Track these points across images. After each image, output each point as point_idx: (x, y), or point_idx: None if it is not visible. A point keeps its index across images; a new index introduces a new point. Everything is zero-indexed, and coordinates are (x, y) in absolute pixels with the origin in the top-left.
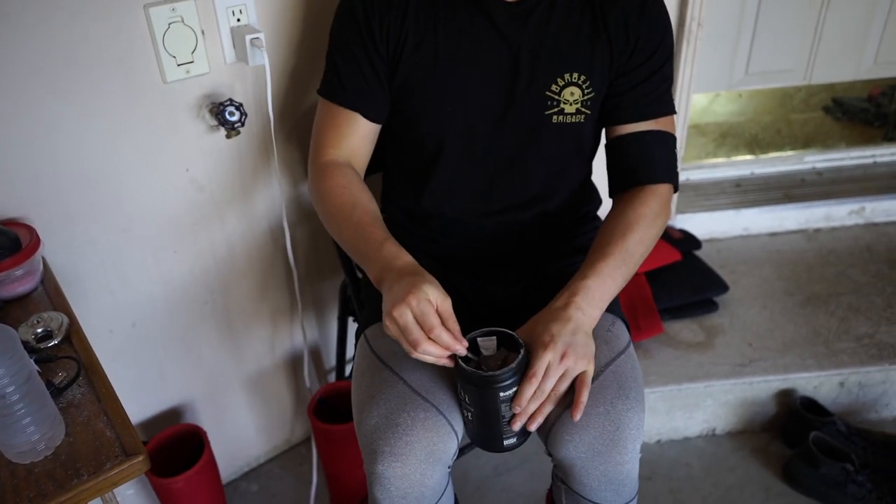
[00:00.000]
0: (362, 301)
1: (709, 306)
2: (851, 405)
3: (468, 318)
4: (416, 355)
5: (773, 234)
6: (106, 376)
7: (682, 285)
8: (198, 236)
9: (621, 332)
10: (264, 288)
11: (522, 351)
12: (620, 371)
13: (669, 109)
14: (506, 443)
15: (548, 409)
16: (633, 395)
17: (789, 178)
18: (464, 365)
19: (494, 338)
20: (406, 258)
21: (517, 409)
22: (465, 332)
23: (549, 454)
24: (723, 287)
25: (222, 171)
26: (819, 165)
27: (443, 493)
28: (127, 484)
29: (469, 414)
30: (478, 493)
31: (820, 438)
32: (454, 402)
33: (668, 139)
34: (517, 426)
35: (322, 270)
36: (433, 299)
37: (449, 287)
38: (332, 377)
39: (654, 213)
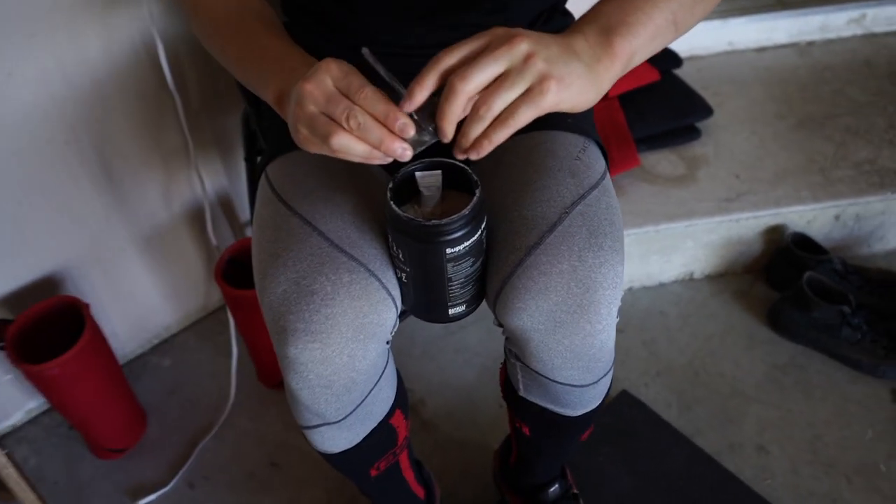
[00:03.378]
0: (265, 130)
1: (690, 133)
2: (843, 240)
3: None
4: (342, 142)
5: (761, 49)
6: None
7: (659, 110)
8: (38, 52)
9: (594, 159)
10: (145, 123)
11: (478, 192)
12: (592, 212)
13: None
14: (451, 311)
15: (473, 128)
16: (608, 245)
17: None
18: (396, 209)
19: (439, 172)
20: (314, 61)
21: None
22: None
23: (499, 325)
24: (706, 111)
25: None
26: None
27: (380, 376)
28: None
29: (404, 275)
30: (426, 356)
31: (814, 279)
32: (388, 262)
33: None
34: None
35: (221, 98)
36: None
37: (388, 88)
38: (248, 232)
39: None
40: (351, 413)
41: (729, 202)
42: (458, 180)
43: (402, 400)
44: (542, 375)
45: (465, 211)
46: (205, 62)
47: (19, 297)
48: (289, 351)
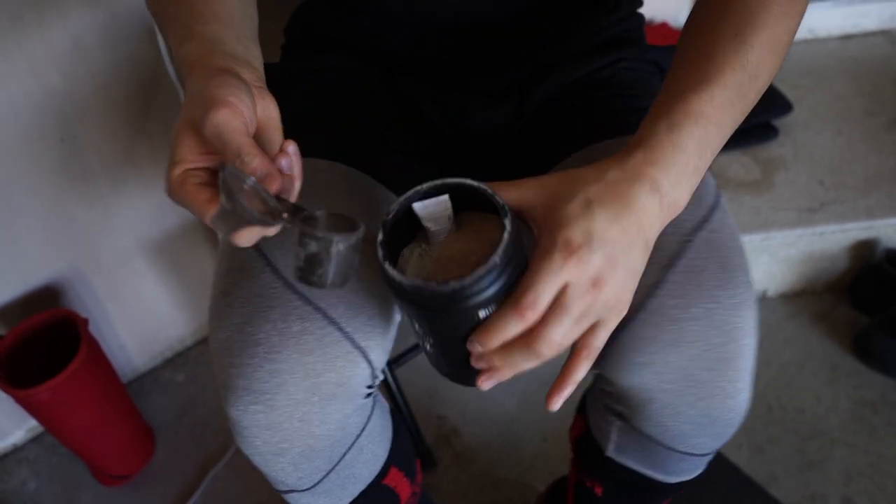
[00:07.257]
0: None
1: (766, 132)
2: None
3: (431, 151)
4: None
5: (847, 37)
6: None
7: None
8: (26, 38)
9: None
10: (149, 116)
11: (508, 224)
12: (718, 240)
13: None
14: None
15: (529, 365)
16: (742, 280)
17: None
18: (394, 273)
19: (446, 198)
20: (224, 48)
21: (477, 349)
22: (415, 182)
23: (600, 375)
24: (784, 106)
25: None
26: None
27: (358, 435)
28: None
29: (428, 345)
30: None
31: None
32: (359, 303)
33: None
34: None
35: None
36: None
37: (400, 104)
38: None
39: None
40: (322, 480)
41: (812, 212)
42: (480, 206)
43: (401, 455)
44: (657, 442)
45: (495, 259)
46: None
47: (12, 311)
48: (230, 411)
